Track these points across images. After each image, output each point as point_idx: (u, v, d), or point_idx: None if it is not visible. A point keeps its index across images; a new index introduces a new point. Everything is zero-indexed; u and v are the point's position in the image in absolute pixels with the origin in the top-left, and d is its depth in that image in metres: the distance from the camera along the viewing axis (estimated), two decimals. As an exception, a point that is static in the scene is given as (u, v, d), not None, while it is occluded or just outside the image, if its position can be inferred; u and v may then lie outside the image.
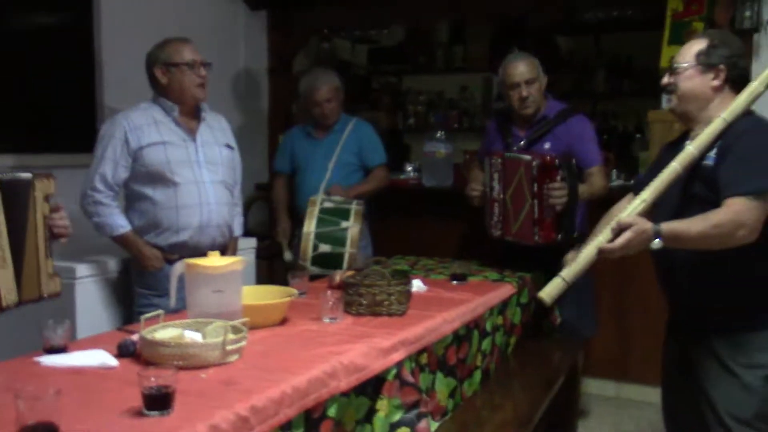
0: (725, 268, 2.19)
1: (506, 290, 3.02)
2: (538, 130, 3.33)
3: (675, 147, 2.33)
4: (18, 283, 2.04)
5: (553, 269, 3.23)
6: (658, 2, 3.86)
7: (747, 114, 2.21)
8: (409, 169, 4.88)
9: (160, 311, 2.05)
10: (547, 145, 3.29)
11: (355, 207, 3.36)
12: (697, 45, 2.27)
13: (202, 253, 2.82)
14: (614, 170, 4.33)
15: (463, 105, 6.08)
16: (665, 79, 2.32)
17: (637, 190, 2.35)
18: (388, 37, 6.12)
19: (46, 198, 2.14)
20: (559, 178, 3.04)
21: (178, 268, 2.24)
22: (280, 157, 4.14)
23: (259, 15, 4.98)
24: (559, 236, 3.08)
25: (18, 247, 2.04)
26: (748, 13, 3.68)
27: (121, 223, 2.94)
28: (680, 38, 3.71)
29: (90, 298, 3.12)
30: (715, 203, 2.11)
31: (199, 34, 4.28)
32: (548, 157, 3.06)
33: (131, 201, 3.00)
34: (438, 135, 4.58)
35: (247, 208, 4.73)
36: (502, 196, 3.24)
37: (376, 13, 4.87)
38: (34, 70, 3.67)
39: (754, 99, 2.21)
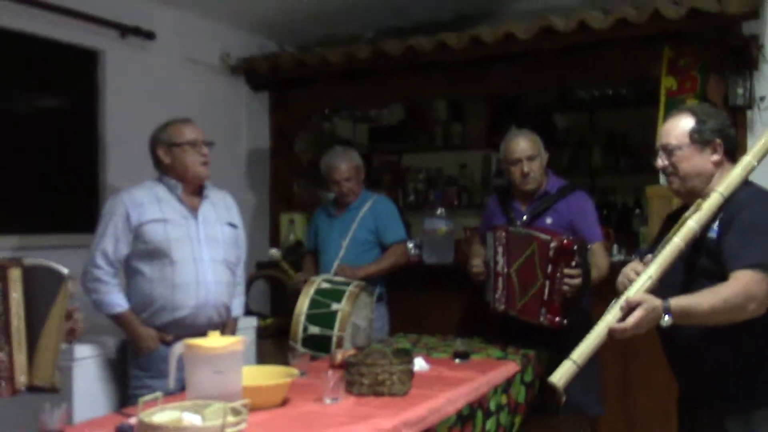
0: (735, 342, 2.15)
1: (510, 368, 2.98)
2: (540, 206, 3.35)
3: (675, 220, 2.31)
4: (30, 369, 2.08)
5: (556, 346, 3.22)
6: (652, 81, 3.94)
7: (745, 185, 2.22)
8: (410, 246, 4.88)
9: (158, 393, 2.02)
10: (549, 220, 3.30)
11: (350, 288, 3.34)
12: (686, 122, 2.27)
13: (199, 333, 2.80)
14: (614, 245, 4.34)
15: (462, 182, 6.16)
16: (660, 162, 2.31)
17: (641, 256, 2.32)
18: (387, 116, 6.26)
19: (71, 296, 2.21)
20: (574, 263, 3.01)
21: (178, 348, 2.22)
22: (308, 237, 4.22)
23: (261, 96, 5.08)
24: (565, 321, 3.04)
25: (36, 332, 2.10)
26: (740, 91, 3.75)
27: (118, 302, 2.92)
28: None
29: (88, 379, 3.07)
30: (720, 276, 2.10)
31: (202, 114, 4.38)
32: (566, 241, 3.02)
33: (128, 278, 2.99)
34: (438, 212, 4.61)
35: (248, 286, 4.71)
36: (506, 269, 3.23)
37: (376, 93, 4.97)
38: (40, 152, 3.73)
39: (749, 172, 2.23)
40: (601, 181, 5.67)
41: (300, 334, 3.19)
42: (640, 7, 3.73)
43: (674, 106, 3.79)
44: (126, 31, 4.01)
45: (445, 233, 4.53)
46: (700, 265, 2.19)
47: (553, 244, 3.02)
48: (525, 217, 3.34)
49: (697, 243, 2.18)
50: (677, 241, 2.13)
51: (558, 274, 3.00)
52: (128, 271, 2.98)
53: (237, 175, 4.92)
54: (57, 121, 3.88)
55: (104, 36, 3.93)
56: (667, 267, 2.12)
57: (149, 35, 4.12)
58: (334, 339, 3.16)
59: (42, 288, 2.13)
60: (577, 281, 3.01)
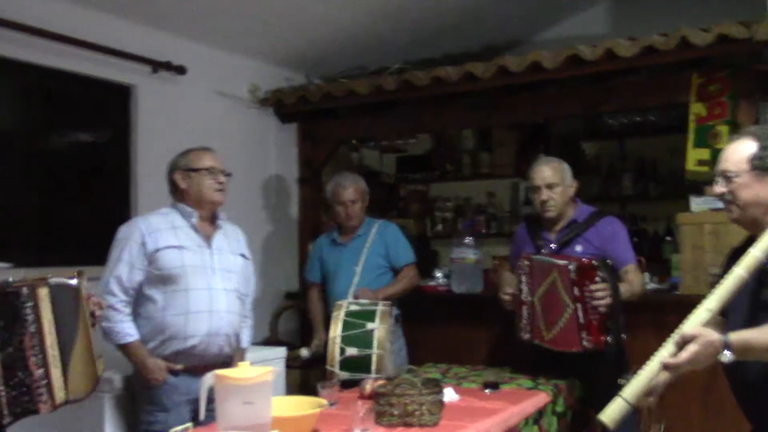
0: None
1: (541, 399, 2.94)
2: (568, 234, 3.33)
3: (741, 252, 2.10)
4: (66, 382, 2.15)
5: (588, 376, 3.19)
6: (681, 107, 3.92)
7: None
8: (439, 275, 4.86)
9: (188, 424, 2.03)
10: (578, 248, 3.28)
11: (381, 308, 3.34)
12: (747, 148, 2.12)
13: (209, 362, 2.83)
14: (646, 273, 4.28)
15: (490, 211, 6.14)
16: (718, 188, 2.17)
17: None
18: (415, 146, 6.29)
19: (88, 297, 2.30)
20: (598, 279, 3.01)
21: (209, 379, 2.23)
22: (310, 267, 4.17)
23: (289, 127, 5.14)
24: (608, 338, 3.02)
25: (67, 346, 2.18)
26: (772, 116, 3.72)
27: (129, 332, 2.88)
28: (705, 141, 3.76)
29: (99, 416, 3.09)
30: None
31: (232, 145, 4.48)
32: (584, 259, 3.05)
33: (138, 306, 2.93)
34: (466, 241, 4.59)
35: (276, 316, 4.73)
36: (530, 298, 3.22)
37: (403, 124, 5.00)
38: (75, 185, 3.83)
39: None
40: (632, 208, 5.63)
41: (337, 357, 3.17)
42: (668, 34, 3.72)
43: (704, 132, 3.78)
44: (158, 66, 4.10)
45: (474, 262, 4.51)
46: (764, 298, 2.06)
47: (572, 267, 3.02)
48: (553, 246, 3.33)
49: (762, 275, 2.02)
50: (740, 271, 1.96)
51: (586, 294, 2.99)
52: (138, 299, 2.93)
53: (266, 205, 4.97)
54: (92, 154, 3.98)
55: (137, 71, 4.04)
56: (728, 299, 1.98)
57: (180, 70, 4.21)
58: (374, 358, 3.14)
59: (66, 304, 2.19)
60: (605, 294, 2.99)
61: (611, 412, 1.91)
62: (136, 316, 2.93)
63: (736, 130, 3.75)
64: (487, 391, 2.98)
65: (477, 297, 4.39)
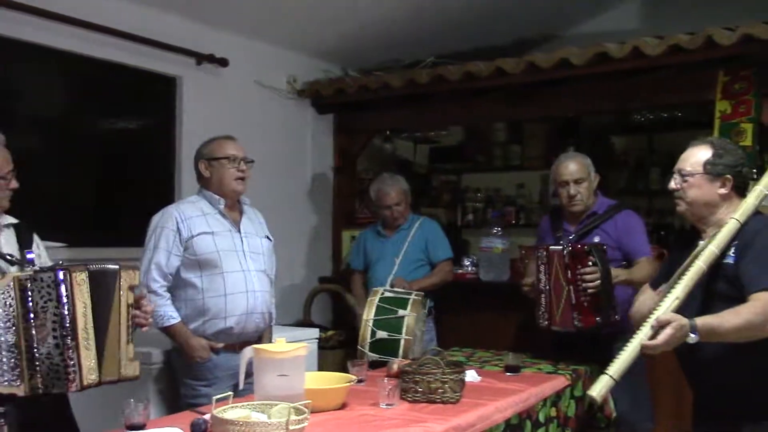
0: (751, 357, 2.29)
1: (559, 382, 3.08)
2: (588, 225, 3.46)
3: (685, 246, 2.47)
4: (99, 364, 2.25)
5: (606, 361, 3.31)
6: (707, 104, 3.99)
7: (756, 214, 2.38)
8: (467, 263, 5.01)
9: (229, 393, 2.20)
10: (596, 239, 3.41)
11: (413, 297, 3.51)
12: (703, 153, 2.43)
13: (246, 340, 3.01)
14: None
15: (520, 202, 6.25)
16: (673, 184, 2.47)
17: (654, 285, 2.56)
18: (447, 138, 6.42)
19: (131, 288, 2.36)
20: (590, 263, 3.16)
21: (247, 353, 2.41)
22: (354, 255, 4.47)
23: (326, 118, 5.30)
24: (599, 319, 3.17)
25: (102, 331, 2.26)
26: (794, 114, 3.78)
27: (172, 314, 3.01)
28: (730, 138, 3.80)
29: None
30: (736, 299, 2.25)
31: (270, 135, 4.66)
32: (579, 245, 3.21)
33: (178, 289, 3.07)
34: (495, 231, 4.74)
35: (310, 300, 4.92)
36: (547, 287, 3.36)
37: (436, 116, 5.13)
38: (123, 171, 4.06)
39: (761, 201, 2.39)
40: (659, 202, 5.69)
41: (368, 338, 3.37)
42: (694, 33, 3.80)
43: (728, 129, 3.87)
44: (202, 58, 4.30)
45: (501, 251, 4.66)
46: (718, 289, 2.34)
47: (566, 251, 3.19)
48: (572, 237, 3.46)
49: (715, 268, 2.32)
50: (701, 264, 2.29)
51: (578, 276, 3.15)
52: (179, 283, 3.06)
53: (302, 193, 5.14)
54: (139, 141, 4.21)
55: (182, 63, 4.23)
56: (691, 289, 2.27)
57: (223, 62, 4.39)
58: (402, 342, 3.33)
59: (104, 289, 2.28)
60: (593, 277, 3.14)
61: (600, 388, 2.20)
62: (177, 299, 3.07)
63: (760, 128, 3.86)
64: (508, 373, 3.12)
65: (503, 285, 4.53)
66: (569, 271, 3.18)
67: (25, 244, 2.43)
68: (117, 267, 2.34)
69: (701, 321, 2.18)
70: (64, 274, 2.20)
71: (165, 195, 4.19)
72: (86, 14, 3.67)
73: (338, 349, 4.53)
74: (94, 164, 3.95)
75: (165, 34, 4.07)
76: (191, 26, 4.24)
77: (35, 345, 2.15)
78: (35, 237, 2.53)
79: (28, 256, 2.39)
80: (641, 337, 2.21)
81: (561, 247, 3.24)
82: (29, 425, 2.11)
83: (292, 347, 2.34)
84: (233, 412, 2.09)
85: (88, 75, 3.88)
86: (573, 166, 3.47)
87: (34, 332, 2.15)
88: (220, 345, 3.06)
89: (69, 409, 2.51)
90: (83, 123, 3.90)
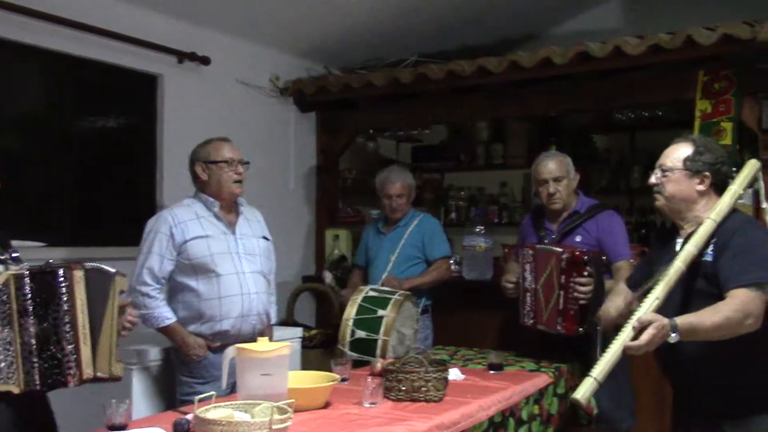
0: (732, 355, 2.31)
1: (542, 380, 3.10)
2: (569, 225, 3.48)
3: (665, 244, 2.52)
4: (93, 361, 2.29)
5: (588, 360, 3.32)
6: (687, 103, 4.03)
7: (732, 212, 2.41)
8: (451, 262, 5.01)
9: (212, 393, 2.20)
10: (578, 238, 3.43)
11: (395, 297, 3.50)
12: (684, 150, 2.47)
13: (244, 341, 2.95)
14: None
15: (502, 200, 6.26)
16: (653, 179, 2.50)
17: (631, 285, 2.60)
18: (430, 136, 6.42)
19: (121, 292, 2.40)
20: (586, 273, 3.17)
21: (230, 352, 2.40)
22: (358, 252, 4.45)
23: (308, 117, 5.29)
24: (581, 329, 3.18)
25: (96, 328, 2.30)
26: (774, 113, 3.82)
27: (167, 315, 3.05)
28: (709, 136, 3.87)
29: (139, 385, 3.25)
30: (716, 296, 2.28)
31: (253, 134, 4.63)
32: (577, 252, 3.21)
33: (174, 293, 3.12)
34: (478, 229, 4.76)
35: (293, 298, 4.90)
36: (534, 286, 3.37)
37: (419, 115, 5.14)
38: (103, 170, 4.02)
39: (736, 200, 2.43)
40: (640, 201, 5.72)
41: (348, 337, 3.37)
42: (675, 33, 3.83)
43: (708, 128, 3.90)
44: (183, 56, 4.27)
45: (485, 250, 4.67)
46: (697, 287, 2.36)
47: (564, 256, 3.18)
48: (554, 236, 3.47)
49: (694, 266, 2.35)
50: (679, 264, 2.31)
51: (571, 284, 3.16)
52: (174, 286, 3.11)
53: (285, 192, 5.13)
54: (120, 140, 4.17)
55: (163, 62, 4.21)
56: (670, 288, 2.29)
57: (205, 60, 4.37)
58: (379, 342, 3.34)
59: (99, 288, 2.32)
60: (586, 289, 3.15)
61: (583, 390, 2.18)
62: (175, 303, 3.10)
63: (739, 127, 3.90)
64: (491, 371, 3.14)
65: (486, 283, 4.55)
66: (563, 276, 3.18)
67: (5, 245, 2.42)
68: (114, 270, 2.38)
69: (681, 320, 2.20)
70: (64, 271, 2.24)
71: (146, 194, 4.18)
72: (66, 12, 3.63)
73: (321, 347, 4.51)
74: (75, 163, 3.91)
75: (146, 31, 4.04)
76: (173, 24, 4.22)
77: (33, 341, 2.18)
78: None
79: (14, 254, 2.38)
80: (623, 338, 2.21)
81: (560, 249, 3.23)
82: (9, 424, 2.11)
83: (275, 346, 2.34)
84: (216, 411, 2.09)
85: (68, 73, 3.84)
86: (552, 165, 3.49)
87: (31, 329, 2.18)
88: (217, 344, 3.07)
89: (48, 409, 2.49)
90: (63, 121, 3.86)
